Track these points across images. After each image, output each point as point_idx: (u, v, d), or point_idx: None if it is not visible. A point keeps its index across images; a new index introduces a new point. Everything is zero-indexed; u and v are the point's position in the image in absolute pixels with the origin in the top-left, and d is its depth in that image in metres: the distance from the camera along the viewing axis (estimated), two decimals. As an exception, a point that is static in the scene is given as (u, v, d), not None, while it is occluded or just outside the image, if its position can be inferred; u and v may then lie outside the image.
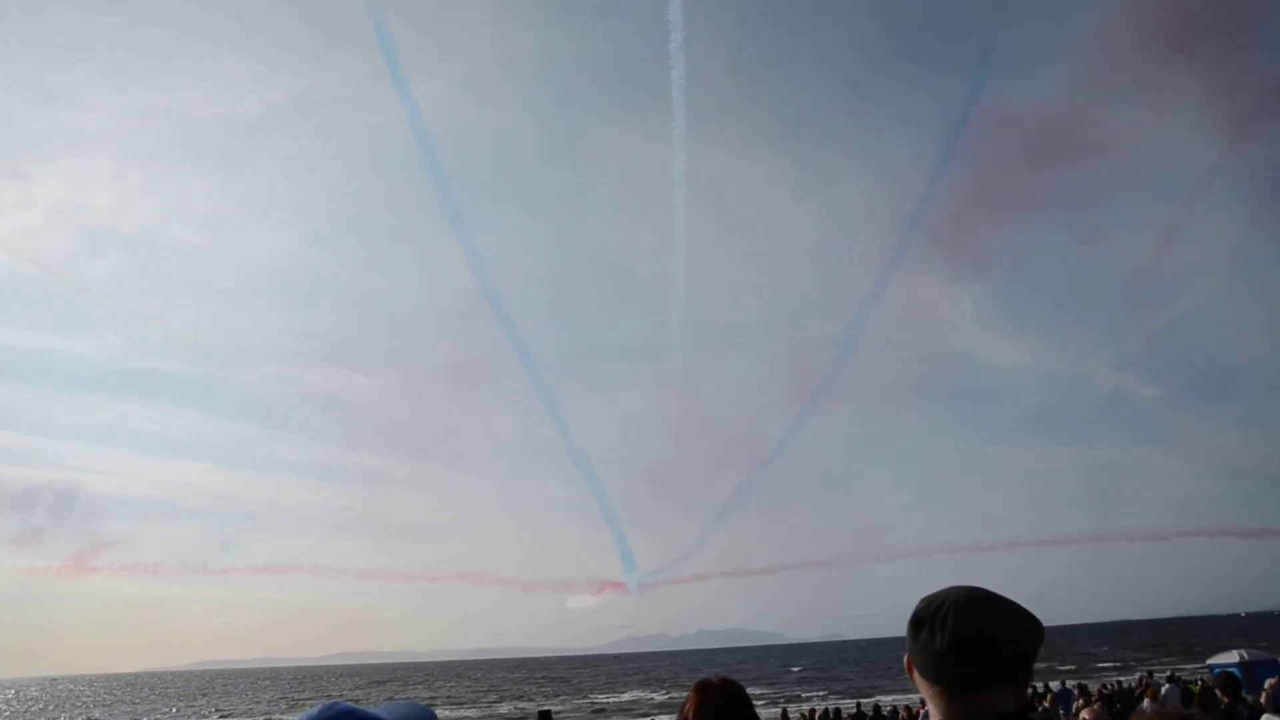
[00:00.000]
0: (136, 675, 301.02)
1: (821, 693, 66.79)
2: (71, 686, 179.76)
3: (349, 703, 1.32)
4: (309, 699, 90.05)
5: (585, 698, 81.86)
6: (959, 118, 76.87)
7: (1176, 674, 39.93)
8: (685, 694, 2.48)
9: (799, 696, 62.92)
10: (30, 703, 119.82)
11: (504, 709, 74.39)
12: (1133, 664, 71.31)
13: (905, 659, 1.75)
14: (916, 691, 1.79)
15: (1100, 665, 74.81)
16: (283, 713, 78.73)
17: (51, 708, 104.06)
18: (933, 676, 1.67)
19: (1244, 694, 11.07)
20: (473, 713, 72.85)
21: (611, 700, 77.23)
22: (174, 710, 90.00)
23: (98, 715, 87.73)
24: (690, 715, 2.36)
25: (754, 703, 2.50)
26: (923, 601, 1.73)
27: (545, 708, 36.17)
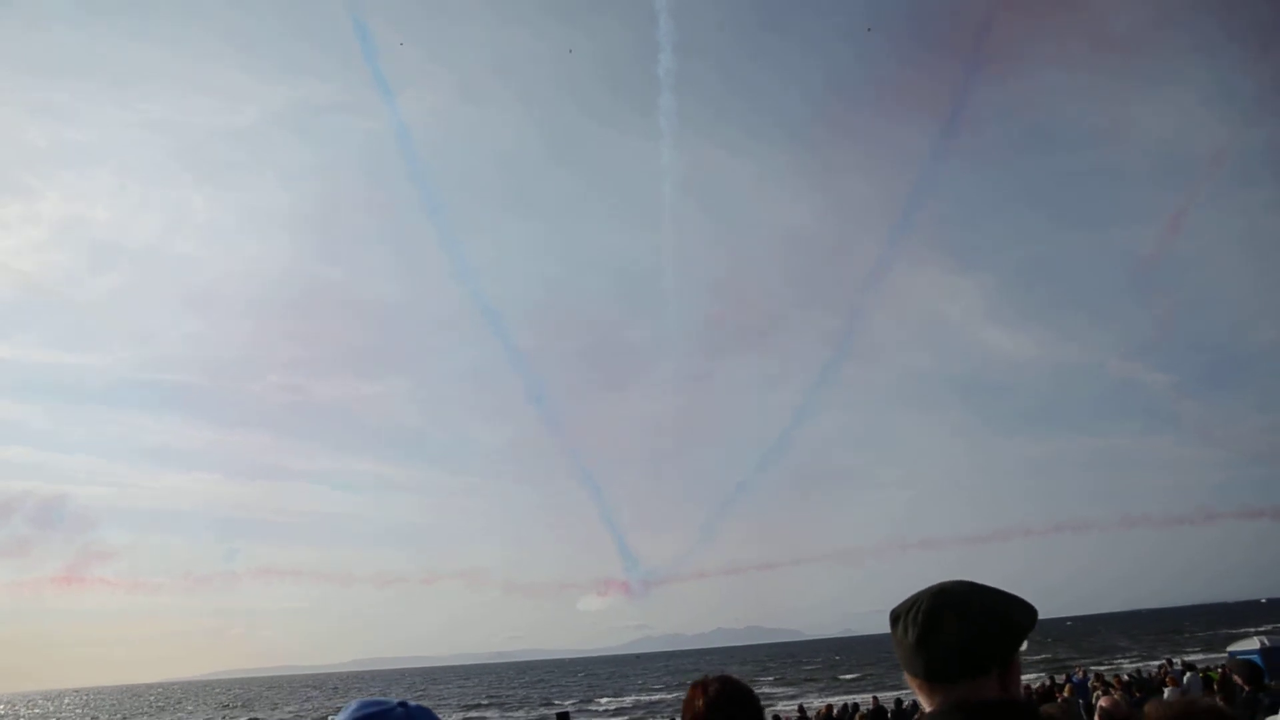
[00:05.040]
0: (150, 686, 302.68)
1: (838, 689, 66.56)
2: (69, 701, 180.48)
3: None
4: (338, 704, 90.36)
5: (600, 699, 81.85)
6: (955, 108, 76.32)
7: (1196, 662, 39.58)
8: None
9: (816, 693, 62.69)
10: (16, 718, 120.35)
11: (522, 713, 74.39)
12: (1152, 653, 70.72)
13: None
14: None
15: (1119, 655, 74.27)
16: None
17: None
18: (910, 670, 1.69)
19: (1266, 681, 10.95)
20: (492, 715, 72.92)
21: (627, 701, 77.20)
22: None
23: None
24: (701, 710, 2.35)
25: (771, 700, 2.50)
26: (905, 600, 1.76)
27: (563, 709, 36.25)
